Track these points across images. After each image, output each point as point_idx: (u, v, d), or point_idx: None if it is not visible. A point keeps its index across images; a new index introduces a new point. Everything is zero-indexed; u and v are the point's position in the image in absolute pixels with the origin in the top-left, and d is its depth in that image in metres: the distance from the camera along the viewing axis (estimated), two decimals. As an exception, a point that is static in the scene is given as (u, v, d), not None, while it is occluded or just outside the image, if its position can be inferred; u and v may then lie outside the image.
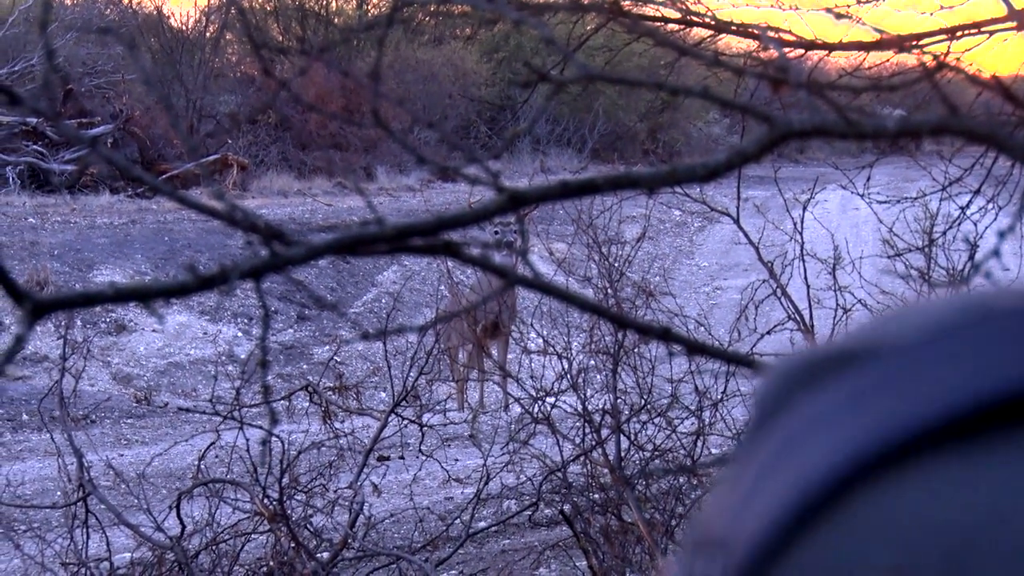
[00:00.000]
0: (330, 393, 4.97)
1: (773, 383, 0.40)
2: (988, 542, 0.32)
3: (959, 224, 4.89)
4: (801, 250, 4.74)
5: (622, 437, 4.42)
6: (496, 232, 7.72)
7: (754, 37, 3.99)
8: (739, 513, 0.37)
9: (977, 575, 0.32)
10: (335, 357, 8.67)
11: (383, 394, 8.25)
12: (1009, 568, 0.32)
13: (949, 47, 4.01)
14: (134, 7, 21.64)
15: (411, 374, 4.92)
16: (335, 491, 4.60)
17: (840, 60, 5.06)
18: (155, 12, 21.70)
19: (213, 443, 4.50)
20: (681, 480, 4.64)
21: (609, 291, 4.81)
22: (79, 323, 9.93)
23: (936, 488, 0.34)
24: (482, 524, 5.52)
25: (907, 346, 0.38)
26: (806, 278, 4.70)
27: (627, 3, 4.13)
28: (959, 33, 3.97)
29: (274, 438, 4.11)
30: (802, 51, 4.04)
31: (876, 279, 5.67)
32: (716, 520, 0.38)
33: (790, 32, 4.02)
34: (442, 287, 8.78)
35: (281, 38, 22.30)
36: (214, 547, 4.29)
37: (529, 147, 21.73)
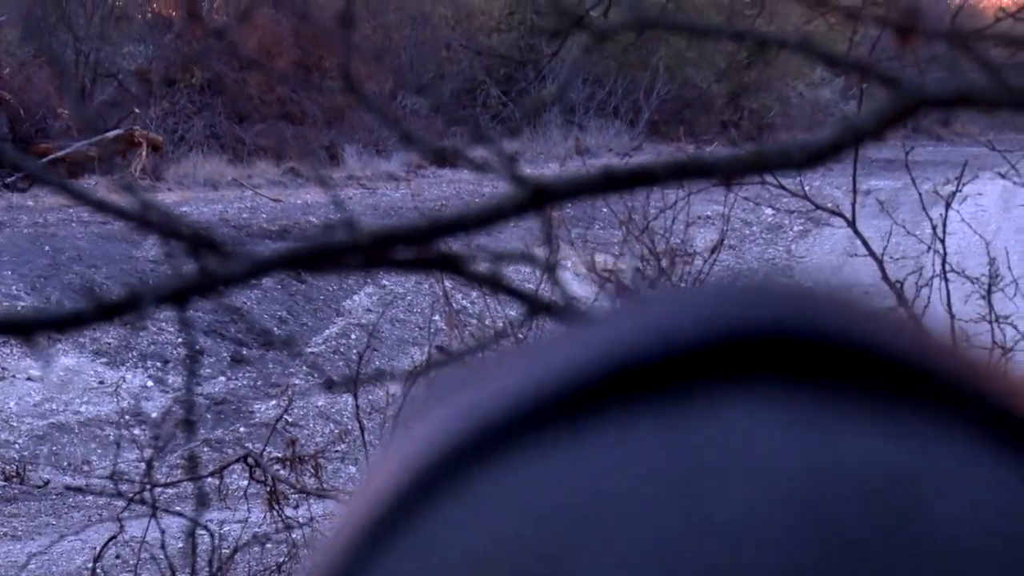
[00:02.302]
0: (278, 467, 4.97)
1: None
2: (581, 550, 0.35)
3: None
4: (943, 265, 4.74)
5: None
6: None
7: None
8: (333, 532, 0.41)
9: None
10: (285, 416, 8.68)
11: (352, 468, 8.23)
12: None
13: None
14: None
15: (393, 440, 4.91)
16: (286, 606, 4.60)
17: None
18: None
19: (114, 537, 4.50)
20: None
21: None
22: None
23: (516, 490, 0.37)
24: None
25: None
26: (949, 305, 4.68)
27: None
28: None
29: (201, 530, 4.11)
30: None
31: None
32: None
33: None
34: (436, 317, 8.79)
35: (210, -34, 22.43)
36: None
37: (560, 119, 21.74)
